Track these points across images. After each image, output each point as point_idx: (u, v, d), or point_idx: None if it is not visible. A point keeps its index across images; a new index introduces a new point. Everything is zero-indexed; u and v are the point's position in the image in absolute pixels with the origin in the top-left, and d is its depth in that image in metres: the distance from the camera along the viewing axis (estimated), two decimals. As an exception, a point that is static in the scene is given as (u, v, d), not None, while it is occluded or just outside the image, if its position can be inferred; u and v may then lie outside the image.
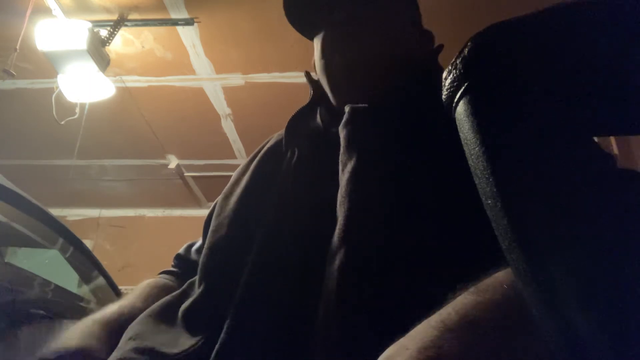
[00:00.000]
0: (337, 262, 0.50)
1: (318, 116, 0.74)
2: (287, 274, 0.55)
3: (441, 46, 0.76)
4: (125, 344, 0.60)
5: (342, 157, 0.60)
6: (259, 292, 0.55)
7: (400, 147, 0.59)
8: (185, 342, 0.57)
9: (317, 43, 0.74)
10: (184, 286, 0.71)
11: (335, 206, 0.56)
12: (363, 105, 0.64)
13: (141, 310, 0.68)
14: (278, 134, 0.77)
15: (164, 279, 0.82)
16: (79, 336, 0.64)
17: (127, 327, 0.65)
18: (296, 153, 0.68)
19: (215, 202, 0.77)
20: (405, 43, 0.72)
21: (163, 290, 0.77)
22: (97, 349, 0.62)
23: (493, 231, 0.30)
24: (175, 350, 0.56)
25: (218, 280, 0.62)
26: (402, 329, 0.40)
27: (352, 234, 0.52)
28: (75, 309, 1.75)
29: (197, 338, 0.57)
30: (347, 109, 0.64)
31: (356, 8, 0.70)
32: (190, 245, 0.85)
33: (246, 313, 0.54)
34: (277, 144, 0.74)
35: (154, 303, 0.68)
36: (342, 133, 0.62)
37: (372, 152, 0.58)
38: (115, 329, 0.67)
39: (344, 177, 0.57)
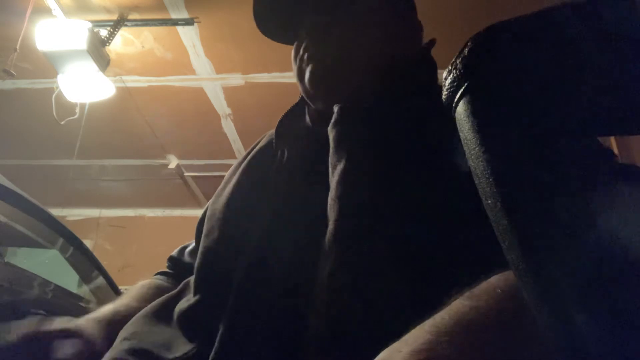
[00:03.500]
0: (327, 266, 0.50)
1: (307, 115, 0.73)
2: (279, 279, 0.54)
3: (432, 41, 0.72)
4: (119, 344, 0.60)
5: (331, 159, 0.58)
6: (251, 299, 0.55)
7: (390, 147, 0.57)
8: (181, 347, 0.57)
9: (292, 55, 0.72)
10: (180, 286, 0.70)
11: (326, 208, 0.55)
12: (352, 105, 0.62)
13: (137, 310, 0.68)
14: (269, 133, 0.76)
15: (158, 280, 0.82)
16: (77, 321, 0.66)
17: (122, 326, 0.65)
18: (286, 153, 0.67)
19: (207, 204, 0.76)
20: (386, 42, 0.68)
21: (158, 291, 0.77)
22: (93, 338, 0.64)
23: (488, 232, 0.30)
24: (170, 355, 0.56)
25: (212, 286, 0.61)
26: (395, 334, 0.39)
27: (342, 238, 0.51)
28: (75, 309, 1.75)
29: (192, 345, 0.57)
30: (335, 108, 0.63)
31: (325, 13, 0.68)
32: (184, 248, 0.85)
33: (239, 320, 0.54)
34: (268, 144, 0.73)
35: (149, 304, 0.68)
36: (331, 134, 0.61)
37: (361, 154, 0.57)
38: (110, 325, 0.67)
39: (333, 180, 0.56)
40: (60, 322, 0.65)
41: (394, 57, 0.68)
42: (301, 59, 0.68)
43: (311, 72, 0.66)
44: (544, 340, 0.29)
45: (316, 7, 0.69)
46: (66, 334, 0.63)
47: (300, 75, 0.69)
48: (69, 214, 4.79)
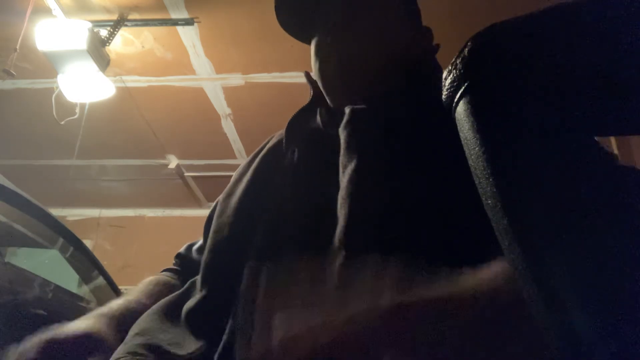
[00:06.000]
0: (337, 264, 0.50)
1: (318, 116, 0.74)
2: (288, 276, 0.55)
3: (437, 46, 0.76)
4: (131, 339, 0.60)
5: (342, 159, 0.59)
6: (260, 296, 0.55)
7: (401, 148, 0.58)
8: (191, 344, 0.58)
9: (312, 46, 0.75)
10: (187, 285, 0.71)
11: (336, 207, 0.55)
12: (363, 106, 0.64)
13: (147, 307, 0.68)
14: (279, 133, 0.77)
15: (166, 277, 0.82)
16: (88, 322, 0.65)
17: (133, 321, 0.65)
18: (296, 153, 0.67)
19: (216, 201, 0.77)
20: (401, 44, 0.71)
21: (167, 287, 0.77)
22: (105, 336, 0.63)
23: (490, 231, 0.30)
24: (183, 352, 0.56)
25: (220, 282, 0.62)
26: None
27: (353, 237, 0.52)
28: (75, 309, 1.75)
29: (201, 342, 0.57)
30: (347, 109, 0.64)
31: (347, 12, 0.70)
32: (191, 245, 0.85)
33: (247, 317, 0.54)
34: (278, 143, 0.74)
35: (159, 300, 0.69)
36: (342, 134, 0.62)
37: (372, 154, 0.58)
38: (122, 321, 0.67)
39: (344, 179, 0.57)
40: (73, 327, 0.63)
41: (405, 60, 0.71)
42: (326, 51, 0.71)
43: (339, 62, 0.69)
44: (532, 336, 0.29)
45: (338, 7, 0.71)
46: (82, 338, 0.62)
47: (324, 66, 0.71)
48: (69, 214, 4.79)
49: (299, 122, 0.73)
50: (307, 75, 0.78)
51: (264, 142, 0.80)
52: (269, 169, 0.70)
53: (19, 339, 0.59)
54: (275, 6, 0.77)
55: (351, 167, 0.57)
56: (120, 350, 0.58)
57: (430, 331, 0.39)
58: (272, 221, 0.61)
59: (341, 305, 0.48)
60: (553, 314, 0.26)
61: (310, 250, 0.55)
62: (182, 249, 0.87)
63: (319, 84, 0.74)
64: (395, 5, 0.74)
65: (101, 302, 1.87)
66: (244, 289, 0.57)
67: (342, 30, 0.70)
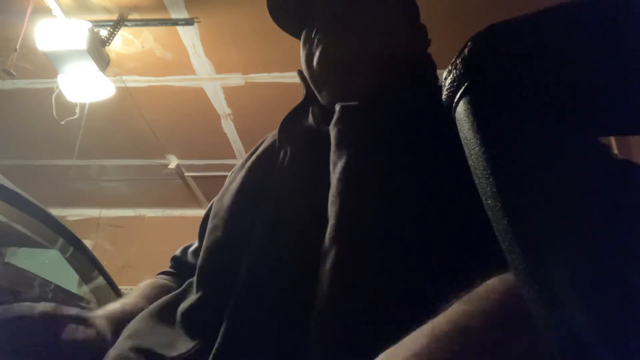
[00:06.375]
0: (328, 263, 0.50)
1: (310, 115, 0.74)
2: (283, 276, 0.54)
3: (429, 40, 0.76)
4: (122, 342, 0.60)
5: (332, 157, 0.59)
6: (255, 295, 0.55)
7: (391, 145, 0.58)
8: (183, 345, 0.57)
9: (302, 40, 0.74)
10: (183, 286, 0.70)
11: (328, 206, 0.55)
12: (353, 103, 0.63)
13: (144, 310, 0.68)
14: (272, 133, 0.77)
15: (163, 279, 0.82)
16: (89, 314, 0.66)
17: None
18: (289, 153, 0.67)
19: (211, 203, 0.77)
20: (398, 41, 0.71)
21: (163, 290, 0.77)
22: (104, 330, 0.63)
23: (490, 230, 0.30)
24: (173, 353, 0.56)
25: (215, 283, 0.62)
26: (397, 330, 0.40)
27: (343, 234, 0.51)
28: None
29: (195, 342, 0.57)
30: (337, 107, 0.64)
31: (344, 7, 0.70)
32: (187, 248, 0.85)
33: (242, 316, 0.54)
34: (272, 144, 0.74)
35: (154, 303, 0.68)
36: (332, 132, 0.61)
37: (362, 151, 0.58)
38: (119, 323, 0.67)
39: (334, 177, 0.56)
40: (75, 310, 0.65)
41: (398, 57, 0.70)
42: (312, 43, 0.71)
43: (322, 53, 0.68)
44: (541, 343, 0.29)
45: (337, 3, 0.71)
46: (80, 320, 0.63)
47: (309, 58, 0.71)
48: (69, 214, 4.79)
49: (292, 121, 0.73)
50: (300, 73, 0.77)
51: (258, 143, 0.79)
52: (263, 170, 0.70)
53: (18, 339, 0.60)
54: (268, 5, 0.76)
55: (341, 164, 0.56)
56: (110, 354, 0.58)
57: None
58: (267, 222, 0.60)
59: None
60: (553, 314, 0.26)
61: (306, 250, 0.55)
62: (177, 252, 0.87)
63: (309, 79, 0.73)
64: (393, 2, 0.73)
65: (101, 302, 1.87)
66: (242, 289, 0.57)
67: (339, 26, 0.69)
